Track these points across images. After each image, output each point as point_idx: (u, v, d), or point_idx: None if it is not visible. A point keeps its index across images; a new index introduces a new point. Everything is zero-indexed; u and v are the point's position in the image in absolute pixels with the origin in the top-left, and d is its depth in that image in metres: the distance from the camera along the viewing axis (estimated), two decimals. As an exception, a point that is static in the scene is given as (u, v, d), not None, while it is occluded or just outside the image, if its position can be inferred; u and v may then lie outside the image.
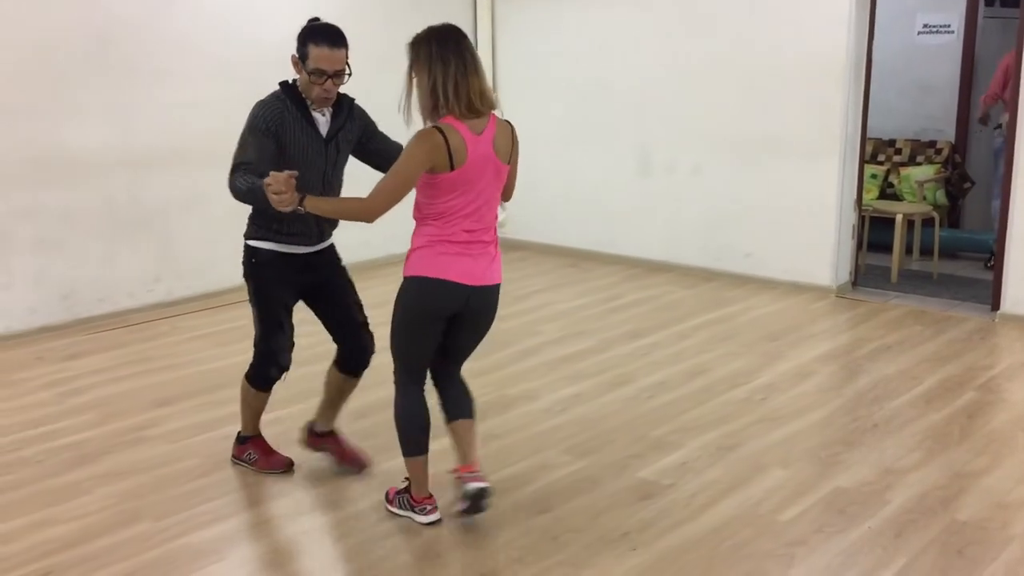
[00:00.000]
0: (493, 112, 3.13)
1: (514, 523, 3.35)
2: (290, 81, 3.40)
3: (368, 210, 3.04)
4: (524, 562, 3.10)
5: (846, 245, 6.46)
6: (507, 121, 3.20)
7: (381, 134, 3.59)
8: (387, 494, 3.47)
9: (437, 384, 3.40)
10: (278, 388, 4.71)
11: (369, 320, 3.68)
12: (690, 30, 6.80)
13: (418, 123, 3.12)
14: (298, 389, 4.67)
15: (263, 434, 3.82)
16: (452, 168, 3.01)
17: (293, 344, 3.63)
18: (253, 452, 3.78)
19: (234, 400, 4.54)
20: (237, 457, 3.83)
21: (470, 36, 7.61)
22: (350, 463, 3.75)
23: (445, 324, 3.21)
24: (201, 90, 6.21)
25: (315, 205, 3.11)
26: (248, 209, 3.45)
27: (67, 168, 5.71)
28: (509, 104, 8.12)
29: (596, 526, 3.31)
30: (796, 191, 6.45)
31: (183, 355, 5.29)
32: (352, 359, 3.65)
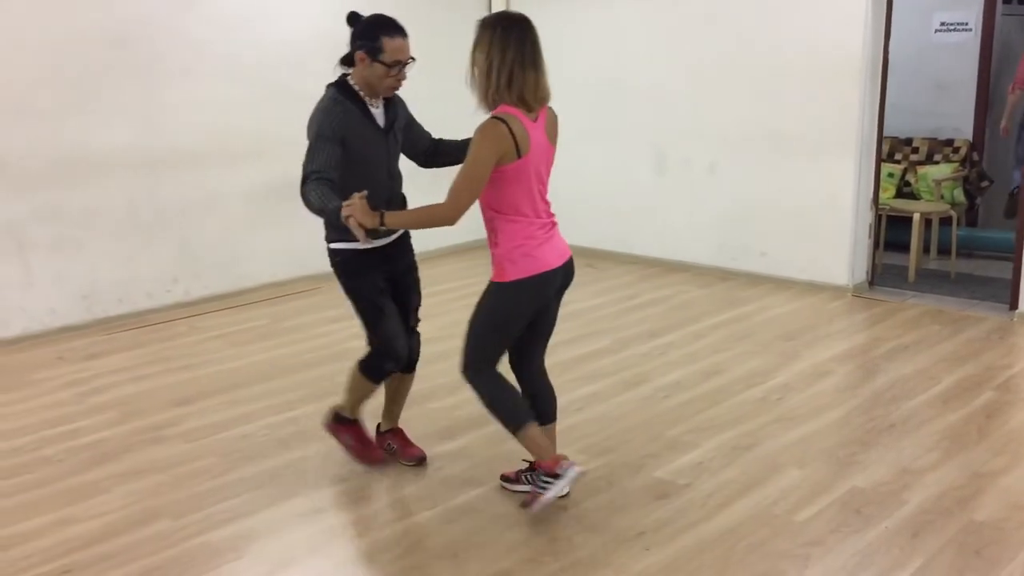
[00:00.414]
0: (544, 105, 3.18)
1: (529, 522, 3.36)
2: (343, 79, 3.40)
3: (448, 214, 3.04)
4: (539, 561, 3.11)
5: (863, 244, 6.44)
6: (549, 106, 3.25)
7: (415, 120, 3.67)
8: (523, 502, 3.39)
9: (522, 380, 3.46)
10: (296, 387, 4.77)
11: (419, 321, 3.76)
12: (706, 28, 6.78)
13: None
14: (315, 389, 4.71)
15: (362, 422, 3.85)
16: (519, 156, 3.05)
17: (403, 330, 3.58)
18: (351, 438, 3.81)
19: (251, 399, 4.60)
20: (333, 433, 3.85)
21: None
22: (410, 456, 3.81)
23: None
24: (221, 90, 6.25)
25: (395, 220, 3.12)
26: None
27: (87, 169, 5.76)
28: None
29: (611, 525, 3.32)
30: (812, 190, 6.43)
31: (201, 355, 5.33)
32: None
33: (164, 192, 6.12)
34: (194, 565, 3.13)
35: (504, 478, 3.62)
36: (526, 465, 3.52)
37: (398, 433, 3.88)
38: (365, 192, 3.10)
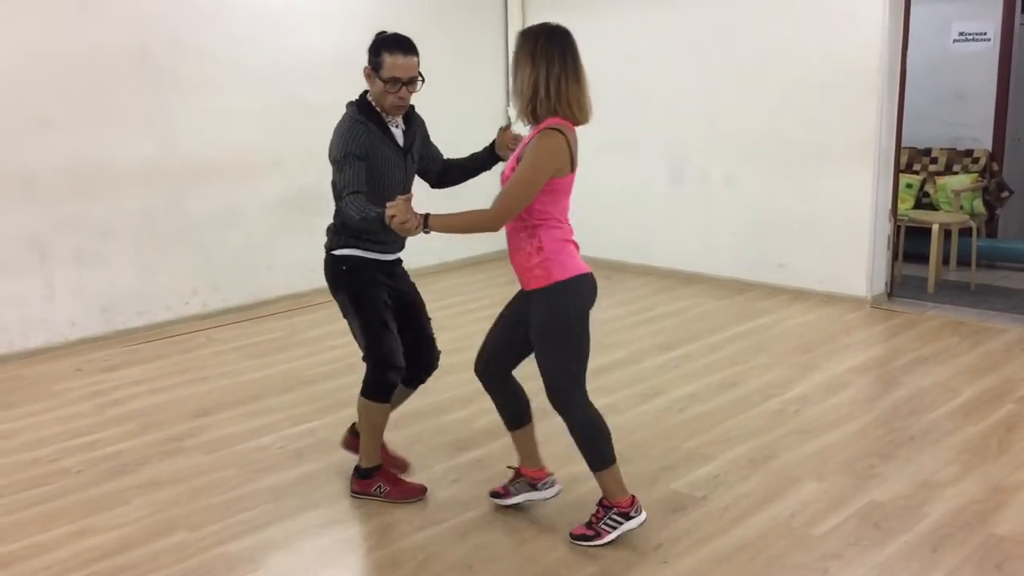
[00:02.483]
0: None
1: (546, 535, 3.35)
2: (359, 98, 3.41)
3: (495, 220, 3.01)
4: (556, 574, 3.10)
5: (881, 255, 6.41)
6: None
7: (431, 141, 3.68)
8: (579, 534, 3.27)
9: (496, 386, 3.41)
10: (313, 399, 4.79)
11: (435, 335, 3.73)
12: (723, 39, 6.79)
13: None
14: (332, 400, 4.73)
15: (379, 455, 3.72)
16: (572, 169, 3.06)
17: (401, 345, 3.52)
18: (383, 485, 3.63)
19: (268, 411, 4.62)
20: (363, 492, 3.65)
21: (501, 45, 7.75)
22: (391, 465, 3.77)
23: None
24: (239, 103, 6.31)
25: (439, 222, 3.01)
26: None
27: (108, 181, 5.82)
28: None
29: (628, 538, 3.30)
30: (830, 201, 6.40)
31: (219, 367, 5.36)
32: (420, 372, 3.68)
33: (183, 205, 6.17)
34: (211, 577, 3.15)
35: (496, 495, 3.56)
36: (513, 474, 3.53)
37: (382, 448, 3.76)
38: (411, 195, 3.08)
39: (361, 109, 3.37)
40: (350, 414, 4.49)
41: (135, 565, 3.20)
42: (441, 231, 3.04)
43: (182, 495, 3.74)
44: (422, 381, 3.74)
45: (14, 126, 5.41)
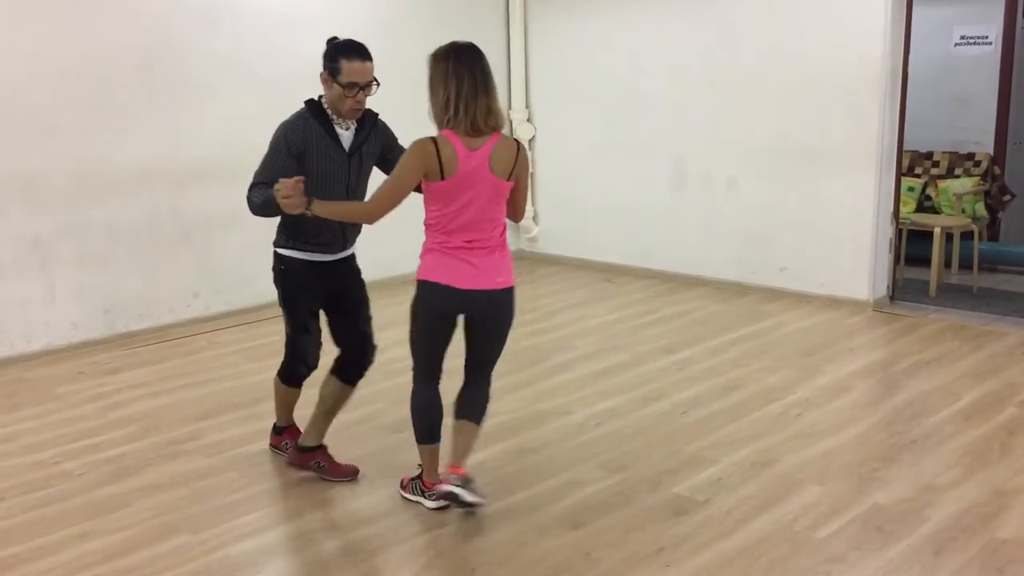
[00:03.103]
0: (497, 130, 3.28)
1: (547, 538, 3.35)
2: (316, 98, 3.56)
3: (369, 212, 3.32)
4: (558, 577, 3.11)
5: (883, 259, 6.40)
6: (515, 140, 3.38)
7: (401, 147, 3.69)
8: (401, 481, 3.70)
9: (463, 385, 3.56)
10: (313, 402, 4.77)
11: (373, 333, 3.83)
12: (724, 43, 6.79)
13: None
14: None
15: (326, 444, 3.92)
16: (443, 178, 3.20)
17: (320, 344, 3.82)
18: (289, 442, 3.99)
19: (270, 414, 4.60)
20: (275, 446, 4.11)
21: (503, 50, 7.77)
22: (343, 473, 3.85)
23: (452, 328, 3.41)
24: (242, 106, 6.31)
25: (321, 207, 3.29)
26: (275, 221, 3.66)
27: (111, 185, 5.82)
28: (542, 118, 8.23)
29: (629, 542, 3.30)
30: (832, 204, 6.40)
31: (221, 369, 5.36)
32: (352, 367, 3.80)
33: (186, 208, 6.18)
34: (213, 580, 3.15)
35: (401, 482, 3.75)
36: (418, 472, 3.66)
37: (325, 451, 3.88)
38: (303, 178, 3.26)
39: (310, 108, 3.52)
40: (350, 417, 4.49)
41: (137, 568, 3.20)
42: (323, 214, 3.31)
43: (184, 498, 3.74)
44: (359, 375, 3.82)
45: (17, 129, 5.42)
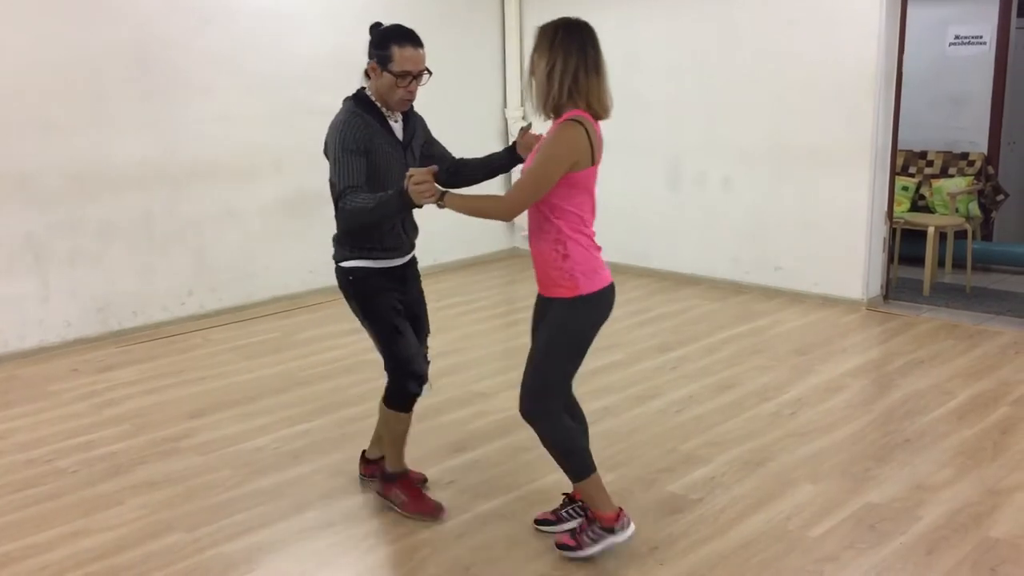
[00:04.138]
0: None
1: (542, 536, 3.35)
2: (360, 91, 3.31)
3: (507, 209, 2.93)
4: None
5: (877, 258, 6.42)
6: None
7: (435, 140, 3.59)
8: (562, 543, 3.19)
9: (570, 403, 3.26)
10: (308, 400, 4.78)
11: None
12: (721, 43, 6.79)
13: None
14: (327, 402, 4.73)
15: (406, 470, 3.64)
16: (592, 163, 2.94)
17: (421, 351, 3.46)
18: (401, 493, 3.55)
19: (263, 412, 4.61)
20: (384, 495, 3.61)
21: (498, 49, 7.76)
22: (436, 512, 3.52)
23: None
24: (236, 105, 6.30)
25: (453, 201, 2.95)
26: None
27: (104, 183, 5.81)
28: (539, 117, 8.20)
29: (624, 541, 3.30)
30: (827, 204, 6.41)
31: (215, 367, 5.35)
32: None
33: (180, 206, 6.16)
34: (207, 578, 3.14)
35: (542, 521, 3.37)
36: (563, 499, 3.36)
37: (408, 476, 3.61)
38: (436, 167, 3.02)
39: (358, 102, 3.27)
40: (346, 415, 4.50)
41: (130, 566, 3.20)
42: (455, 209, 2.98)
43: (177, 496, 3.73)
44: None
45: (11, 127, 5.40)
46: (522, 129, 3.44)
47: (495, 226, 7.80)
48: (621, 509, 3.17)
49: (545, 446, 3.12)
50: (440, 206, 2.96)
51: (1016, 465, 3.90)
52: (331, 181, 3.26)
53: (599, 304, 3.04)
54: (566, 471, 3.13)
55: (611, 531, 3.13)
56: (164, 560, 3.24)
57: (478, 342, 5.55)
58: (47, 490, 3.81)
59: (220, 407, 4.70)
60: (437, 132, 3.64)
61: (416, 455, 4.03)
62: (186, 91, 6.09)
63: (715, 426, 4.35)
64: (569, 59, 2.88)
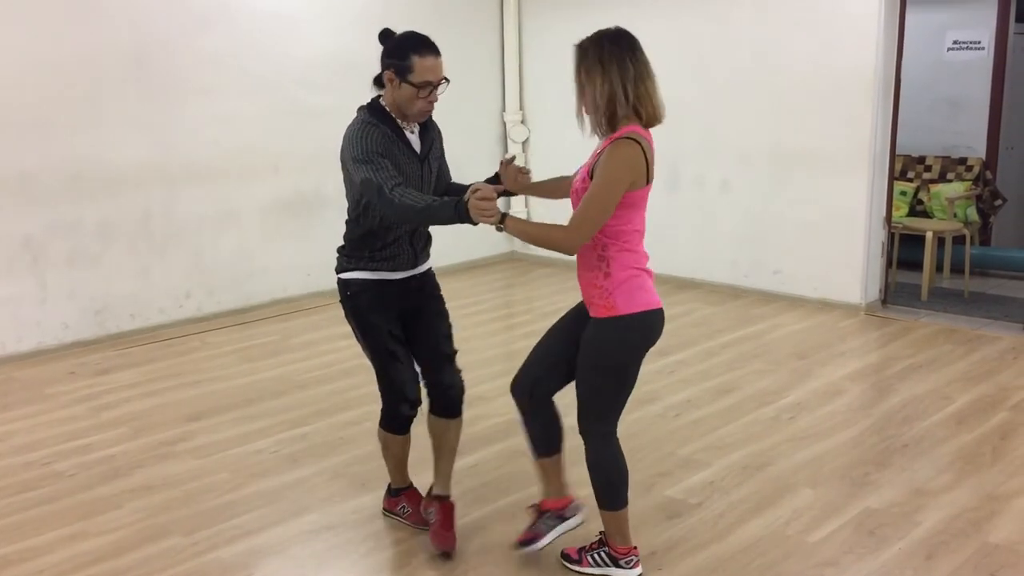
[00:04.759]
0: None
1: (541, 541, 3.34)
2: (373, 101, 3.12)
3: (575, 239, 2.76)
4: (551, 580, 3.10)
5: (875, 262, 6.42)
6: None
7: (444, 156, 3.40)
8: (567, 554, 3.16)
9: (539, 412, 3.16)
10: (306, 403, 4.77)
11: (457, 354, 3.38)
12: (719, 46, 6.80)
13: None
14: (325, 405, 4.72)
15: (413, 484, 3.55)
16: (648, 181, 2.83)
17: (417, 375, 3.28)
18: (407, 505, 3.48)
19: (261, 415, 4.60)
20: (389, 510, 3.54)
21: (497, 51, 7.76)
22: (434, 539, 3.31)
23: None
24: (235, 107, 6.30)
25: (515, 226, 2.80)
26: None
27: (102, 184, 5.80)
28: (537, 120, 8.22)
29: (623, 545, 3.30)
30: (825, 208, 6.41)
31: (213, 370, 5.34)
32: (439, 398, 3.32)
33: (178, 208, 6.16)
34: (204, 582, 3.14)
35: (526, 542, 3.18)
36: (598, 538, 3.18)
37: (445, 505, 3.37)
38: (501, 186, 2.84)
39: (373, 112, 3.07)
40: (344, 419, 4.50)
41: (128, 570, 3.19)
42: (514, 234, 2.84)
43: (175, 499, 3.72)
44: (451, 408, 3.33)
45: (9, 128, 5.39)
46: (503, 161, 3.28)
47: (494, 229, 7.79)
48: (635, 548, 3.09)
49: (587, 464, 3.04)
50: (499, 229, 2.81)
51: (1015, 470, 3.90)
52: (353, 191, 3.09)
53: (639, 328, 2.87)
54: (597, 496, 3.03)
55: (616, 563, 3.07)
56: (162, 563, 3.23)
57: (476, 345, 5.54)
58: (45, 493, 3.80)
59: (218, 410, 4.70)
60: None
61: (413, 458, 4.02)
62: (185, 92, 6.08)
63: (714, 430, 4.35)
64: (625, 69, 2.79)
